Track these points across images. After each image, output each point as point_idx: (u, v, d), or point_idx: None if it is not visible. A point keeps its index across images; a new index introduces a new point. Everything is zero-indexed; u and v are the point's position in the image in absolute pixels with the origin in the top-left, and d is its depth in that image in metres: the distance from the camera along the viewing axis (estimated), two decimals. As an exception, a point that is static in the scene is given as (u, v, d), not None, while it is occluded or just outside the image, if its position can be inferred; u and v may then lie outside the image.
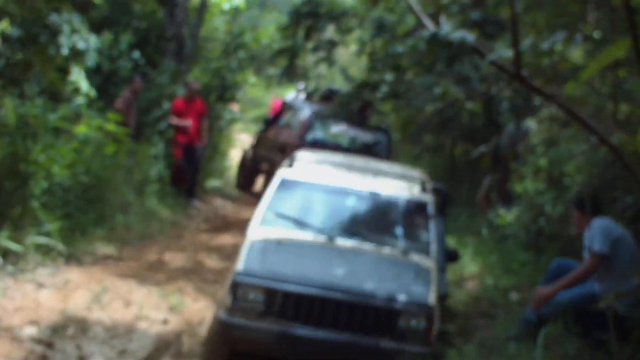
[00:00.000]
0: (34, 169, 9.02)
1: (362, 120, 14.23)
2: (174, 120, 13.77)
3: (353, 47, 21.18)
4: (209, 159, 16.15)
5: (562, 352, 6.06)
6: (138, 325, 7.50)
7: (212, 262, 10.52)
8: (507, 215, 9.35)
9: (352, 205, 8.06)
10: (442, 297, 7.33)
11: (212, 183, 16.32)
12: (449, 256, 8.19)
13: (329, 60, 17.70)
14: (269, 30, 23.64)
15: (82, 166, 10.30)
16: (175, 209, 13.44)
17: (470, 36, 4.52)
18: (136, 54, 14.52)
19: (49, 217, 8.99)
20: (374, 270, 7.11)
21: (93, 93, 11.96)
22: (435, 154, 16.97)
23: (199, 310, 8.38)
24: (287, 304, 6.60)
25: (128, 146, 11.76)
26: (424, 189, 8.22)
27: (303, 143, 13.48)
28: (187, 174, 14.13)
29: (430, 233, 7.70)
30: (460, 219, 12.38)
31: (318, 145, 13.08)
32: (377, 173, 8.56)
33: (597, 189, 7.60)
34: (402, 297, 6.67)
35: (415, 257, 7.31)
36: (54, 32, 10.79)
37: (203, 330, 8.09)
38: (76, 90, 11.61)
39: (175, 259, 10.30)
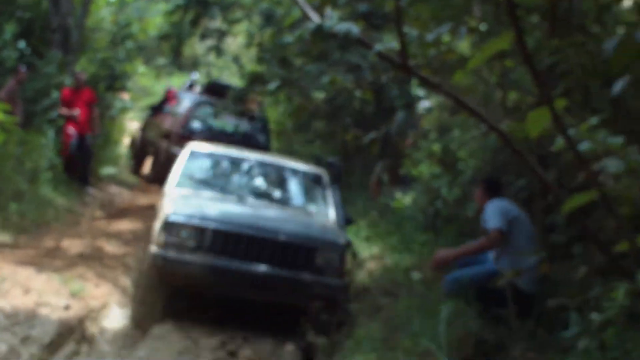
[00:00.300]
0: None
1: (244, 111, 14.79)
2: (63, 111, 13.66)
3: (241, 39, 21.22)
4: (102, 147, 16.00)
5: (464, 329, 6.25)
6: (40, 312, 7.35)
7: (111, 247, 10.41)
8: (404, 199, 9.57)
9: (257, 173, 9.41)
10: (348, 244, 8.51)
11: (107, 171, 16.14)
12: (346, 220, 9.32)
13: (218, 50, 17.73)
14: (156, 20, 23.39)
15: (-28, 156, 10.11)
16: (70, 196, 13.23)
17: (355, 28, 4.66)
18: (21, 44, 14.23)
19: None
20: (288, 219, 8.49)
21: (-20, 82, 11.71)
22: (327, 141, 17.17)
23: (100, 295, 8.31)
24: (217, 240, 7.68)
25: (17, 135, 11.54)
26: (317, 163, 9.80)
27: (186, 131, 14.40)
28: (79, 162, 14.02)
29: (327, 199, 9.19)
30: (356, 204, 12.59)
31: (199, 134, 13.95)
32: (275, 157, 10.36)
33: (490, 173, 7.88)
34: (318, 237, 8.07)
35: (319, 216, 8.89)
36: None
37: (106, 315, 8.10)
38: (-39, 81, 11.35)
39: (74, 245, 10.15)
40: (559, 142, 4.27)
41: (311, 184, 9.47)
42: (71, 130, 13.71)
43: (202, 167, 9.39)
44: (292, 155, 14.21)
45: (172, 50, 17.83)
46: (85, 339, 7.42)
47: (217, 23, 18.68)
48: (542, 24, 6.83)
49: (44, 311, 7.39)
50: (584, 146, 4.21)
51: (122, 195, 15.53)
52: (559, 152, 5.72)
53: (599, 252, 5.50)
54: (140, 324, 7.80)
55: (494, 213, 6.72)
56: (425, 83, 4.54)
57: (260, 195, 9.05)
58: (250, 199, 8.82)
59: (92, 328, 7.62)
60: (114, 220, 12.61)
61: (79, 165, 14.08)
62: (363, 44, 4.83)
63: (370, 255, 9.81)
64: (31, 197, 11.37)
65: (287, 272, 7.74)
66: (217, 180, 9.24)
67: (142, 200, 15.20)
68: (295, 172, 9.58)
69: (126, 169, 17.60)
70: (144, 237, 11.52)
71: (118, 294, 8.71)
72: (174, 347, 6.89)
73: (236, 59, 16.72)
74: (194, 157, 9.35)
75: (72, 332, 7.27)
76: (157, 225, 7.87)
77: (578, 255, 6.20)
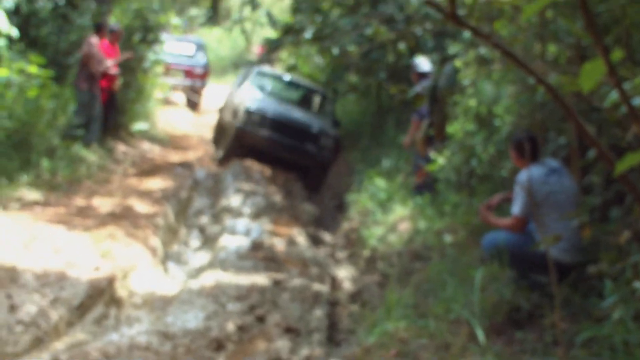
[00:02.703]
0: (-46, 114, 8.77)
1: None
2: (111, 69, 13.49)
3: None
4: (134, 102, 15.92)
5: (498, 295, 6.14)
6: (69, 273, 7.34)
7: (142, 206, 10.37)
8: (439, 159, 9.35)
9: (293, 88, 16.51)
10: (336, 136, 14.76)
11: (138, 126, 16.05)
12: (335, 122, 15.34)
13: (253, 3, 17.53)
14: (190, -30, 23.28)
15: (4, 111, 10.05)
16: (102, 153, 13.22)
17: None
18: (55, -6, 14.15)
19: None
20: (307, 116, 14.89)
21: (15, 33, 11.61)
22: (361, 95, 16.99)
23: (130, 256, 8.29)
24: (270, 123, 14.01)
25: (52, 89, 11.47)
26: (323, 96, 16.17)
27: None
28: (109, 119, 13.97)
29: (327, 108, 15.79)
30: (388, 160, 12.45)
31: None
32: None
33: (529, 130, 7.65)
34: (323, 129, 14.34)
35: (323, 117, 15.28)
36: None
37: (135, 277, 8.08)
38: (-4, 32, 11.26)
39: (104, 204, 10.13)
40: (612, 96, 4.10)
41: (320, 97, 16.10)
42: (104, 86, 13.55)
43: (263, 80, 15.90)
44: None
45: (210, 6, 17.71)
46: (114, 301, 7.40)
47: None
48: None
49: (73, 272, 7.37)
50: (638, 101, 4.03)
51: (153, 152, 15.53)
52: (599, 108, 5.52)
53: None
54: (224, 162, 14.38)
55: (518, 194, 6.55)
56: (475, 34, 4.33)
57: (293, 101, 15.87)
58: (288, 102, 15.47)
59: (121, 290, 7.60)
60: (145, 178, 12.63)
61: (109, 122, 14.03)
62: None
63: (400, 217, 9.68)
64: (63, 154, 11.35)
65: (304, 145, 14.12)
66: (271, 89, 15.80)
67: (174, 157, 15.19)
68: (312, 90, 16.35)
69: (157, 124, 17.56)
70: (175, 195, 11.52)
71: (148, 254, 8.68)
72: (202, 312, 6.83)
73: (269, 15, 16.49)
74: (259, 74, 15.98)
75: (102, 293, 7.27)
76: (240, 109, 14.21)
77: (615, 219, 6.01)
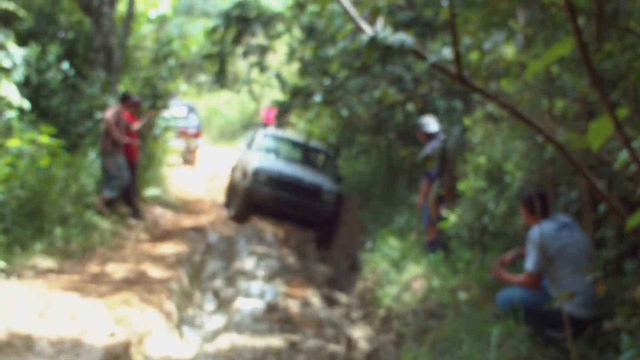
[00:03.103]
0: (-32, 185, 8.85)
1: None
2: (128, 139, 13.70)
3: (283, 53, 21.19)
4: (146, 168, 16.03)
5: (515, 351, 6.11)
6: (84, 339, 7.32)
7: (155, 272, 10.39)
8: (451, 217, 9.36)
9: (296, 147, 17.73)
10: (339, 192, 16.14)
11: (151, 192, 16.16)
12: (338, 179, 16.67)
13: (261, 66, 17.69)
14: (197, 37, 23.52)
15: (17, 180, 10.14)
16: (115, 219, 13.27)
17: (409, 39, 4.53)
18: (65, 65, 14.35)
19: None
20: (311, 174, 15.95)
21: (26, 105, 11.76)
22: (371, 156, 17.08)
23: (145, 321, 8.27)
24: (276, 182, 15.22)
25: (63, 158, 11.58)
26: (326, 155, 17.49)
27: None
28: (131, 190, 14.13)
29: (330, 169, 16.94)
30: (400, 220, 12.44)
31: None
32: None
33: (539, 185, 7.67)
34: (325, 185, 15.55)
35: (325, 174, 16.56)
36: (-22, 50, 10.58)
37: (150, 342, 8.05)
38: (8, 105, 11.40)
39: (118, 270, 10.16)
40: (622, 156, 4.11)
41: (322, 156, 17.54)
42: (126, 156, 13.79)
43: (269, 142, 17.20)
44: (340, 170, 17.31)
45: (217, 70, 17.94)
46: (131, 366, 7.37)
47: (257, 39, 18.65)
48: (587, 26, 6.63)
49: (89, 339, 7.35)
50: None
51: (166, 217, 15.57)
52: (609, 163, 5.53)
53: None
54: (238, 219, 15.68)
55: (531, 250, 6.56)
56: (481, 94, 4.36)
57: (297, 160, 17.23)
58: (292, 162, 16.78)
59: (136, 356, 7.57)
60: (158, 243, 12.65)
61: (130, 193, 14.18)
62: (417, 55, 4.68)
63: (414, 275, 9.66)
64: (76, 221, 11.41)
65: (308, 201, 15.40)
66: (276, 149, 17.05)
67: (186, 221, 15.21)
68: (316, 149, 17.63)
69: (169, 190, 17.66)
70: (188, 259, 11.52)
71: (163, 319, 8.66)
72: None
73: (278, 75, 16.68)
74: (266, 136, 17.42)
75: (117, 359, 7.22)
76: (248, 169, 15.52)
77: (629, 272, 6.00)
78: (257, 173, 15.20)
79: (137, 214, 14.27)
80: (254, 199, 15.30)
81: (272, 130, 18.58)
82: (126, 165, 13.45)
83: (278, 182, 15.26)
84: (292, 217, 15.51)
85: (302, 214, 15.46)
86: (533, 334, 6.29)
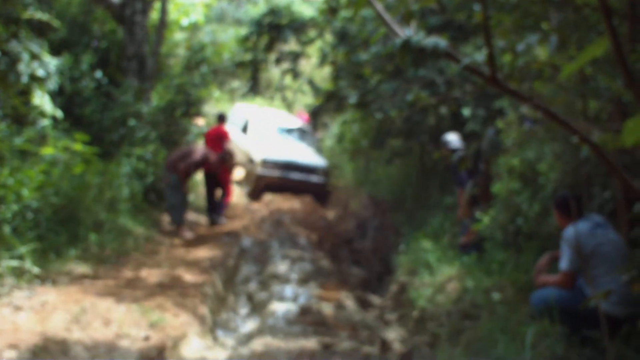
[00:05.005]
0: (3, 192, 8.94)
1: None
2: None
3: (314, 59, 21.24)
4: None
5: (550, 352, 6.06)
6: (119, 344, 7.36)
7: (189, 276, 10.42)
8: (484, 218, 9.32)
9: (292, 134, 20.92)
10: (327, 169, 20.03)
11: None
12: (319, 150, 20.07)
13: (294, 72, 17.74)
14: (229, 43, 23.61)
15: (51, 187, 10.23)
16: (149, 225, 13.34)
17: (442, 42, 4.51)
18: (98, 74, 14.47)
19: (20, 240, 8.89)
20: (306, 156, 19.68)
21: (59, 114, 11.87)
22: (404, 159, 17.03)
23: (179, 325, 8.29)
24: (281, 166, 18.92)
25: (97, 165, 11.67)
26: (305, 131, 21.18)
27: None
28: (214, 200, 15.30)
29: (313, 144, 21.09)
30: (433, 222, 12.39)
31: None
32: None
33: (573, 186, 7.61)
34: (318, 163, 19.58)
35: (316, 154, 20.36)
36: (13, 60, 10.67)
37: (185, 345, 8.07)
38: (41, 114, 11.51)
39: (152, 275, 10.21)
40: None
41: (311, 137, 21.36)
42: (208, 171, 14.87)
43: (262, 126, 20.41)
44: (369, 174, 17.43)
45: (250, 77, 18.22)
46: (165, 370, 7.39)
47: (290, 45, 18.71)
48: (620, 27, 6.57)
49: (124, 343, 7.39)
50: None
51: (199, 222, 15.62)
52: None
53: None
54: (253, 198, 18.95)
55: (565, 250, 6.52)
56: (515, 96, 4.33)
57: (288, 139, 20.52)
58: (286, 143, 20.11)
59: (171, 359, 7.59)
60: (192, 248, 12.68)
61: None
62: (451, 58, 4.64)
63: (448, 277, 9.61)
64: (110, 227, 11.49)
65: (306, 177, 19.10)
66: (269, 132, 20.41)
67: (219, 227, 15.23)
68: (304, 131, 21.29)
69: (202, 195, 17.74)
70: (222, 263, 11.54)
71: (197, 323, 8.68)
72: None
73: (311, 81, 16.70)
74: (259, 121, 20.56)
75: (152, 363, 7.25)
76: (255, 159, 18.94)
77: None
78: (265, 162, 18.90)
79: (215, 221, 15.31)
80: (264, 182, 18.98)
81: (257, 111, 21.81)
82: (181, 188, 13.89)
83: (282, 166, 19.08)
84: (295, 191, 19.26)
85: (303, 188, 19.34)
86: (568, 334, 6.23)
